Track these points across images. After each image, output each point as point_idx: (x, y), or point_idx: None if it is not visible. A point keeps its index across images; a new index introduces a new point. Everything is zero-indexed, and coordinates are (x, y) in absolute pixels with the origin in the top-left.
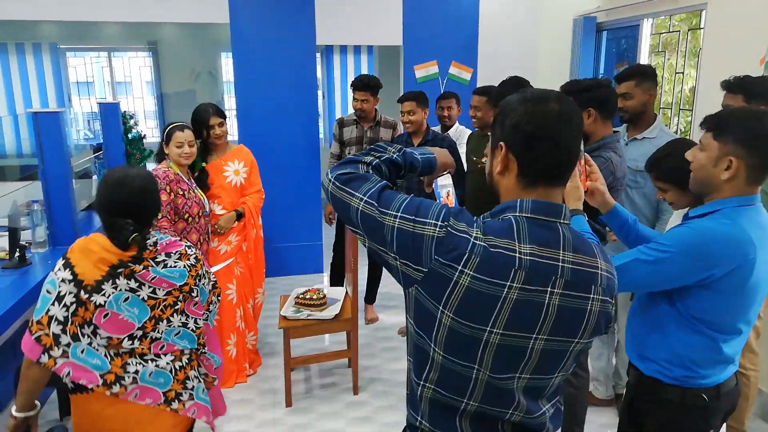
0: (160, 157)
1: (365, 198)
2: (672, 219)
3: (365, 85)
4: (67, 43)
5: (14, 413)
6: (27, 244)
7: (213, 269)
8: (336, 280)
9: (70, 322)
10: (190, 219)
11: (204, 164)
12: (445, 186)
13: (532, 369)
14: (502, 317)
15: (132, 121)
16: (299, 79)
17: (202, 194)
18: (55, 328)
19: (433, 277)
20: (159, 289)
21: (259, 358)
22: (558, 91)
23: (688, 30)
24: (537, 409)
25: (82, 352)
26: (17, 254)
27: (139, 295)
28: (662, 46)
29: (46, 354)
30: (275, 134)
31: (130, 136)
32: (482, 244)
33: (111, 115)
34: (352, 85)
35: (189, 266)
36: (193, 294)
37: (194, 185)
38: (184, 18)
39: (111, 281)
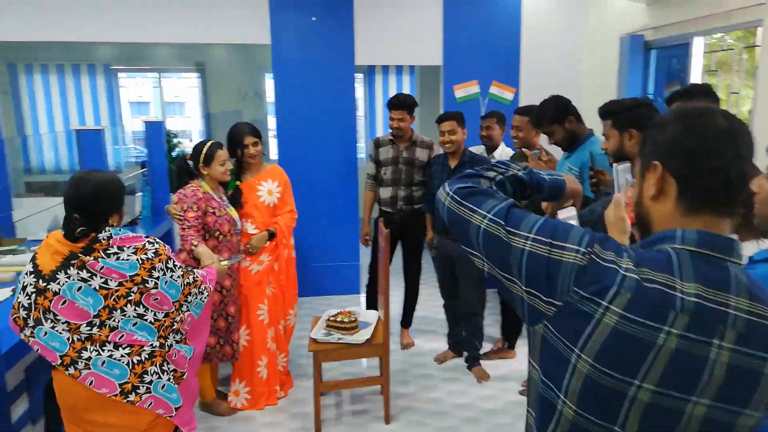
0: (187, 177)
1: (490, 215)
2: None
3: (401, 103)
4: (120, 64)
5: None
6: None
7: (223, 262)
8: (372, 302)
9: (33, 308)
10: (221, 237)
11: (238, 183)
12: (569, 219)
13: None
14: (654, 370)
15: (176, 140)
16: (338, 100)
17: (235, 212)
18: (22, 313)
19: (569, 314)
20: (110, 280)
21: (291, 380)
22: (724, 109)
23: (744, 48)
24: None
25: (45, 334)
26: None
27: (91, 285)
28: (716, 66)
29: (22, 332)
30: (314, 154)
31: (173, 154)
32: (634, 276)
33: (155, 133)
34: (388, 104)
35: (143, 259)
36: (148, 285)
37: (226, 203)
38: (228, 39)
39: (64, 271)
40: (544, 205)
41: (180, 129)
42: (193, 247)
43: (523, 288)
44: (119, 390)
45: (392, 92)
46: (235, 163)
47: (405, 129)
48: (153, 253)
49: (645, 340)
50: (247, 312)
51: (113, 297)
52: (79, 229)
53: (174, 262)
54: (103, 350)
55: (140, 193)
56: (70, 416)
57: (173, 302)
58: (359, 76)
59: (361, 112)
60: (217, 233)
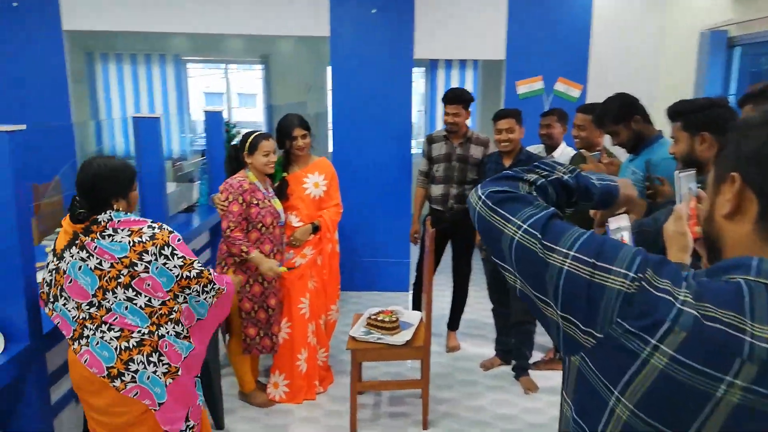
0: (235, 166)
1: (525, 226)
2: None
3: (456, 97)
4: (189, 55)
5: None
6: None
7: (281, 268)
8: (417, 302)
9: (52, 285)
10: (264, 229)
11: (285, 174)
12: (620, 229)
13: None
14: (708, 428)
15: (234, 130)
16: (395, 94)
17: (279, 204)
18: (45, 289)
19: (610, 348)
20: (104, 261)
21: (331, 375)
22: None
23: None
24: None
25: (60, 310)
26: None
27: (89, 265)
28: None
29: (46, 306)
30: (369, 148)
31: (232, 144)
32: (692, 312)
33: (214, 123)
34: (443, 99)
35: (135, 242)
36: (137, 269)
37: (271, 195)
38: (289, 31)
39: (68, 250)
40: (592, 212)
41: (250, 120)
42: (243, 254)
43: (559, 313)
44: (106, 372)
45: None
46: (283, 154)
47: (460, 124)
48: (148, 236)
49: (700, 390)
50: (288, 305)
51: (106, 278)
52: (79, 211)
53: (173, 250)
54: (98, 330)
55: (198, 182)
56: (78, 395)
57: (166, 291)
58: (420, 71)
59: (421, 106)
60: (260, 225)
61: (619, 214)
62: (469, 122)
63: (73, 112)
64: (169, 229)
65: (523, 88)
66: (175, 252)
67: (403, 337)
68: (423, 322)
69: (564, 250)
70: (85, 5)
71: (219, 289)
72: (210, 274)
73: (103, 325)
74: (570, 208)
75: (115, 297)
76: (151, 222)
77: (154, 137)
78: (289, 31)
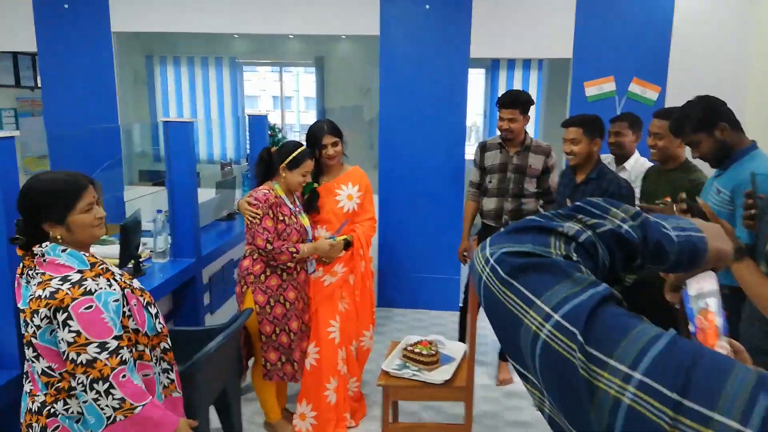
0: (265, 170)
1: (557, 317)
2: None
3: (513, 100)
4: (245, 58)
5: None
6: (149, 254)
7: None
8: (464, 329)
9: None
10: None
11: (315, 185)
12: (703, 296)
13: None
14: None
15: (280, 134)
16: (448, 97)
17: (306, 220)
18: None
19: None
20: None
21: (364, 407)
22: None
23: None
24: None
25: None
26: (132, 263)
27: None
28: None
29: None
30: (418, 155)
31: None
32: None
33: (258, 126)
34: (497, 103)
35: (35, 296)
36: (28, 330)
37: (298, 210)
38: (338, 30)
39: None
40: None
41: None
42: (295, 256)
43: None
44: (23, 422)
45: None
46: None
47: (516, 131)
48: (49, 293)
49: None
50: (316, 328)
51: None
52: (15, 237)
53: (69, 318)
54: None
55: (240, 189)
56: None
57: (64, 361)
58: (480, 71)
59: (480, 110)
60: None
61: (701, 274)
62: (530, 128)
63: (132, 113)
64: (89, 289)
65: (592, 89)
66: (69, 321)
67: (442, 374)
68: (467, 357)
69: (624, 369)
70: (134, 7)
71: (123, 400)
72: (111, 370)
73: (26, 373)
74: (632, 274)
75: (28, 350)
76: (75, 273)
77: (185, 142)
78: (338, 30)
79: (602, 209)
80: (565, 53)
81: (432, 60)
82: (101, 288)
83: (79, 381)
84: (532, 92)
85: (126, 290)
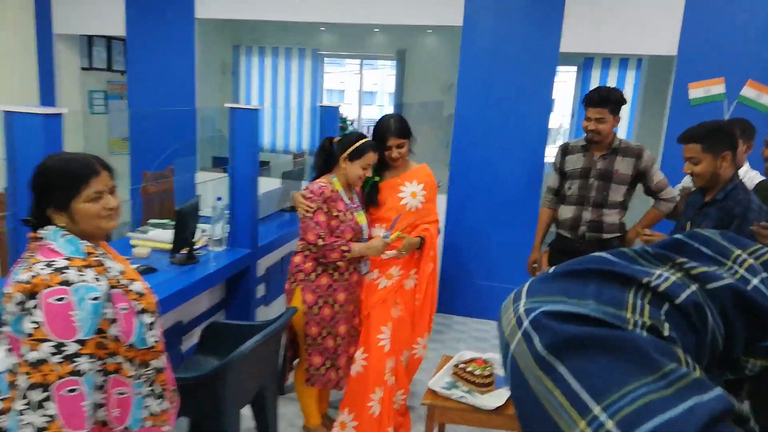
0: (325, 160)
1: None
2: None
3: (603, 98)
4: (328, 50)
5: None
6: (206, 241)
7: (390, 236)
8: None
9: None
10: None
11: (377, 179)
12: None
13: None
14: None
15: (351, 127)
16: (532, 93)
17: (363, 218)
18: None
19: None
20: None
21: (408, 422)
22: None
23: None
24: None
25: None
26: (186, 250)
27: None
28: None
29: None
30: (494, 156)
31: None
32: None
33: (330, 118)
34: (583, 101)
35: (16, 280)
36: (4, 315)
37: (355, 206)
38: (420, 20)
39: None
40: None
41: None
42: (347, 255)
43: None
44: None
45: None
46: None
47: (604, 133)
48: (27, 278)
49: None
50: (366, 333)
51: None
52: (26, 219)
53: (36, 306)
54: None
55: (307, 181)
56: None
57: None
58: (572, 69)
59: (568, 111)
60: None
61: None
62: (621, 133)
63: (217, 102)
64: (68, 279)
65: (698, 91)
66: (35, 310)
67: (495, 398)
68: None
69: None
70: None
71: (52, 419)
72: (58, 378)
73: None
74: (760, 358)
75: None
76: (63, 259)
77: (251, 129)
78: (420, 20)
79: (718, 249)
80: (669, 50)
81: (517, 54)
82: (83, 281)
83: (19, 383)
84: (628, 93)
85: (116, 290)
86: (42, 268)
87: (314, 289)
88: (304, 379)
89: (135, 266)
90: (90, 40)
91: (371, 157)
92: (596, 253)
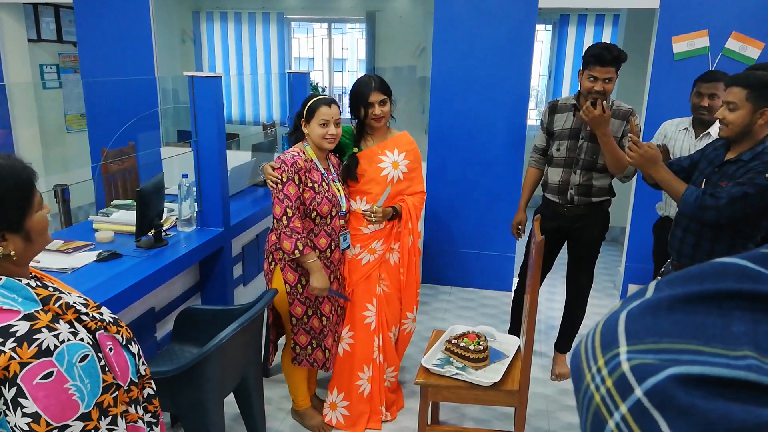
0: (295, 137)
1: None
2: None
3: (614, 58)
4: (294, 14)
5: None
6: (174, 221)
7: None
8: (517, 320)
9: None
10: (319, 219)
11: (356, 150)
12: None
13: None
14: None
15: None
16: (510, 54)
17: (340, 189)
18: None
19: None
20: None
21: (401, 398)
22: None
23: None
24: None
25: None
26: (152, 232)
27: None
28: None
29: None
30: (473, 119)
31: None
32: None
33: (300, 86)
34: (590, 58)
35: None
36: None
37: (332, 177)
38: None
39: None
40: None
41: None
42: (296, 253)
43: None
44: None
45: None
46: (356, 126)
47: (610, 93)
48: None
49: None
50: (351, 311)
51: None
52: None
53: (21, 392)
54: None
55: (279, 153)
56: None
57: None
58: (548, 27)
59: (545, 71)
60: (314, 214)
61: None
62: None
63: (177, 72)
64: (45, 347)
65: (682, 45)
66: (21, 399)
67: (491, 374)
68: (521, 354)
69: None
70: None
71: None
72: None
73: None
74: None
75: None
76: (21, 320)
77: (212, 99)
78: None
79: None
80: (651, 3)
81: (494, 12)
82: (62, 341)
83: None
84: None
85: (98, 332)
86: (1, 343)
87: (295, 268)
88: (290, 359)
89: (97, 252)
90: (36, 9)
91: (324, 112)
92: (725, 259)
